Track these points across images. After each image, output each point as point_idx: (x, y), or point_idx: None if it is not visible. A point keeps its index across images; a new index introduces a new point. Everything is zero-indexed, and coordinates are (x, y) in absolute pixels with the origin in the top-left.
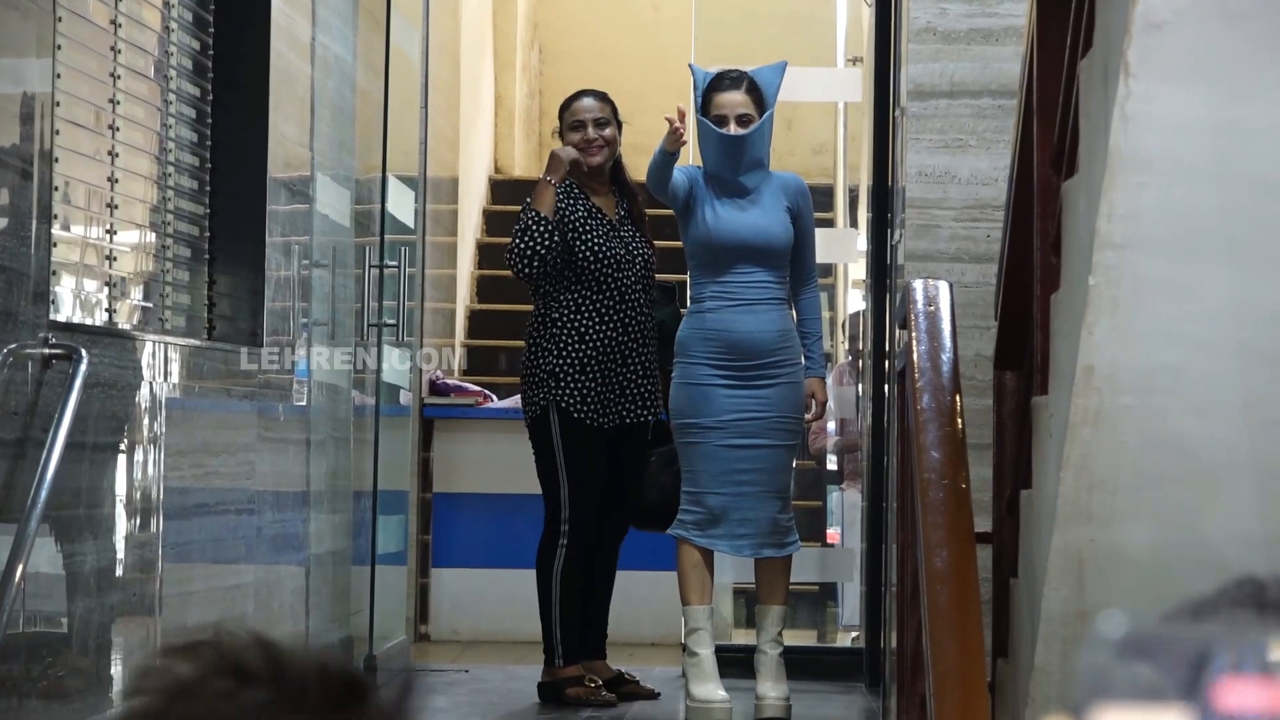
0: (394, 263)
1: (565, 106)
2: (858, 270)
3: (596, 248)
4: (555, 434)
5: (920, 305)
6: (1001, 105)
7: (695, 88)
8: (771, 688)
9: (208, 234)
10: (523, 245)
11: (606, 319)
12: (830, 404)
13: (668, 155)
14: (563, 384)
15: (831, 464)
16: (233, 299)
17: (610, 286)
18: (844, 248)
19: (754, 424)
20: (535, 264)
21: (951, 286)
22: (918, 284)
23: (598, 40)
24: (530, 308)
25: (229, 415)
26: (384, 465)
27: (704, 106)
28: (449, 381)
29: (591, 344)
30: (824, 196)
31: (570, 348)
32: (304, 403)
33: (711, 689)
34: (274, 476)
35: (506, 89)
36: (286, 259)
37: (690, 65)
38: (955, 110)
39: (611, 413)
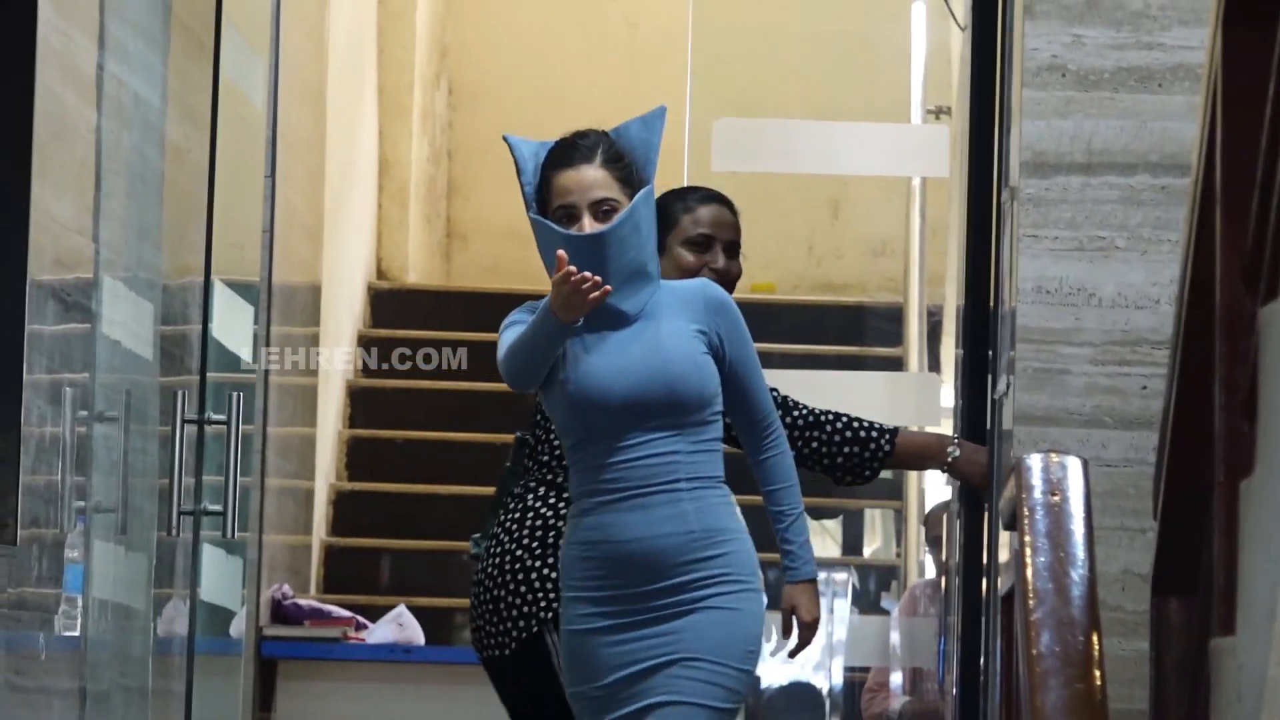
0: (221, 417)
1: (679, 206)
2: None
3: None
4: (559, 665)
5: (1038, 495)
6: (1166, 186)
7: (520, 167)
8: None
9: None
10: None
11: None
12: (894, 642)
13: (562, 330)
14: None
15: None
16: None
17: None
18: (921, 402)
19: (651, 677)
20: None
21: (1086, 465)
22: (1035, 462)
23: (536, 74)
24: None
25: None
26: None
27: (540, 198)
28: (302, 603)
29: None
30: (887, 323)
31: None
32: (77, 632)
33: None
34: None
35: (397, 148)
36: (53, 408)
37: (505, 137)
38: (1095, 193)
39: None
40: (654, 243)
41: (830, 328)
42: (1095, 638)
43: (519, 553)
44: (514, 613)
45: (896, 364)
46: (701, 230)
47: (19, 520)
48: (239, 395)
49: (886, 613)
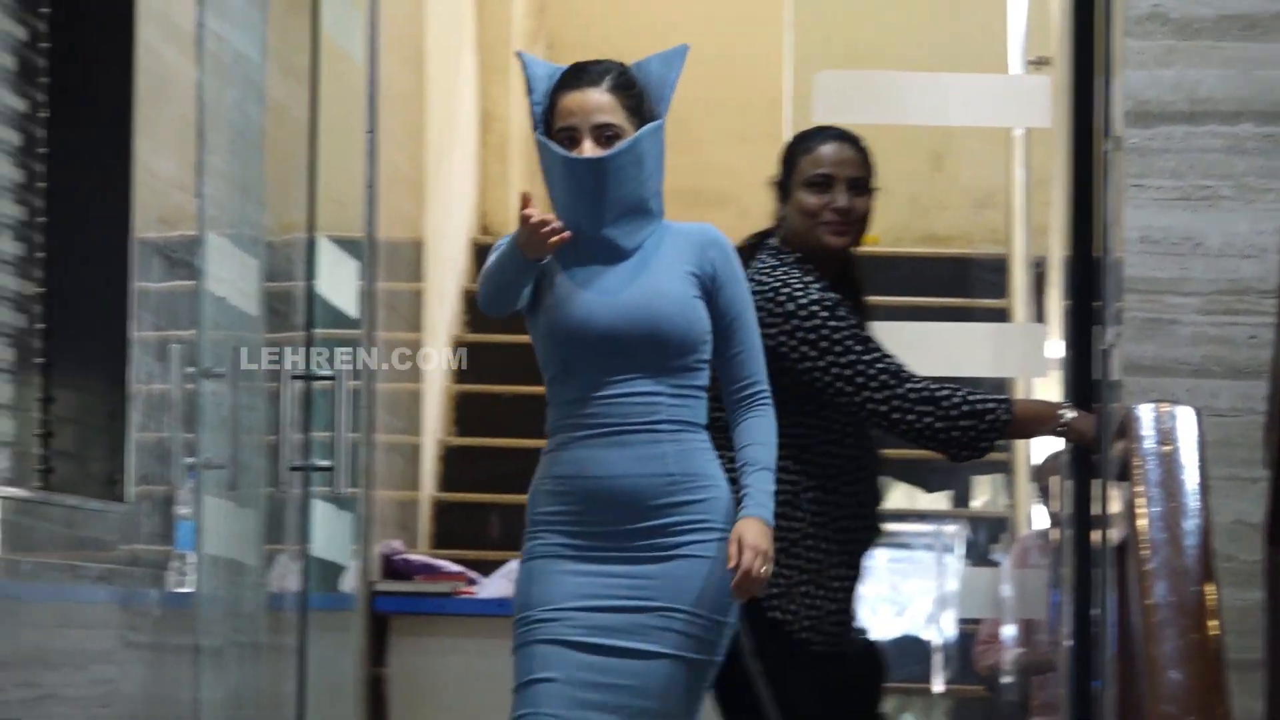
0: (328, 373)
1: (800, 149)
2: (1048, 389)
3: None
4: (749, 643)
5: (1150, 445)
6: (1271, 135)
7: (530, 87)
8: None
9: (39, 326)
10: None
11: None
12: (1005, 595)
13: (527, 264)
14: (785, 585)
15: (1011, 691)
16: (79, 427)
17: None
18: (1026, 353)
19: (619, 618)
20: None
21: (1199, 415)
22: (1145, 412)
23: (634, 30)
24: None
25: (75, 607)
26: (315, 687)
27: (547, 118)
28: (412, 558)
29: (826, 520)
30: (992, 273)
31: (802, 522)
32: (190, 589)
33: None
34: (145, 703)
35: (499, 104)
36: (161, 366)
37: (519, 54)
38: (1200, 141)
39: (839, 630)
40: (659, 179)
41: (935, 280)
42: (1210, 587)
43: None
44: None
45: (1002, 315)
46: (821, 170)
47: (130, 477)
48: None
49: (997, 565)
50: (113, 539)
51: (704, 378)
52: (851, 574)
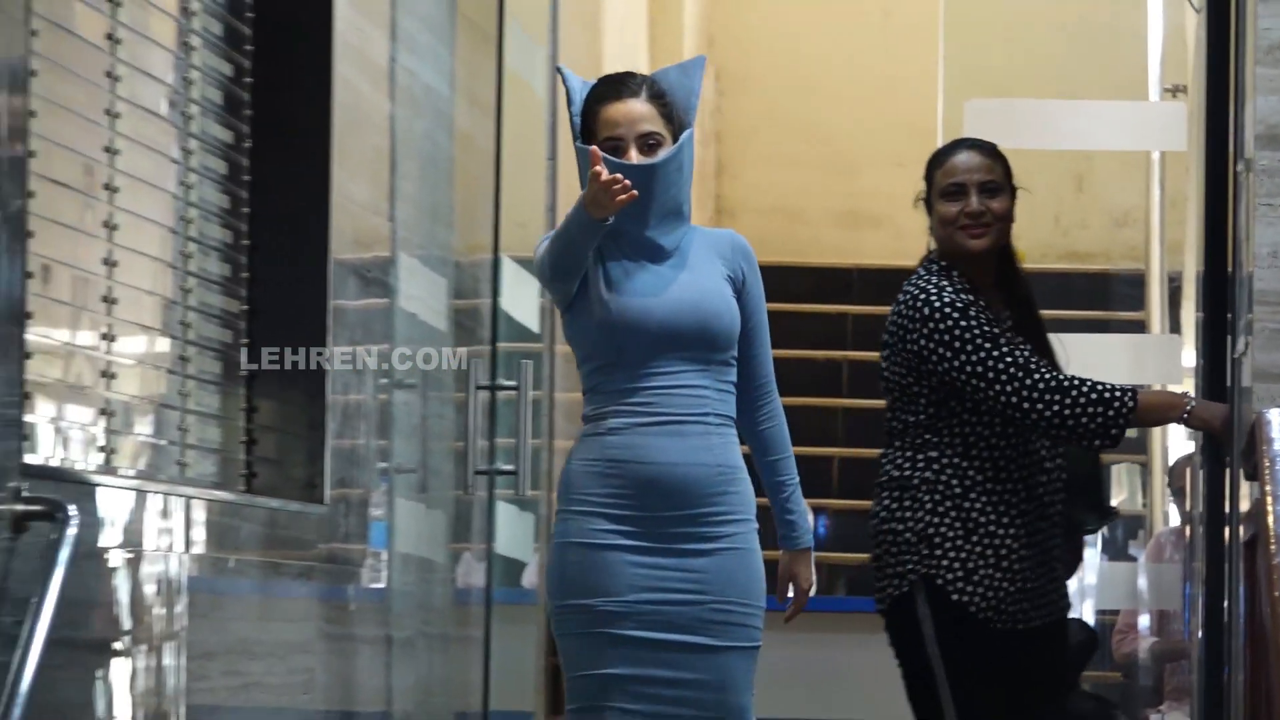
0: (512, 383)
1: (936, 164)
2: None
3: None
4: (929, 636)
5: (1278, 446)
6: None
7: (570, 98)
8: None
9: (244, 341)
10: (1071, 419)
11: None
12: (1141, 587)
13: (593, 224)
14: (942, 554)
15: (1146, 677)
16: (281, 435)
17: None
18: (1162, 362)
19: (679, 611)
20: None
21: None
22: (1275, 416)
23: (796, 61)
24: None
25: (277, 602)
26: (498, 676)
27: (585, 128)
28: None
29: (990, 500)
30: (1130, 288)
31: (955, 501)
32: (383, 584)
33: None
34: (341, 690)
35: None
36: (357, 378)
37: (559, 68)
38: None
39: (1014, 606)
40: (689, 185)
41: (1077, 294)
42: None
43: (882, 514)
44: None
45: (1139, 327)
46: (953, 180)
47: (328, 481)
48: (529, 364)
49: (1134, 559)
50: (311, 538)
51: (735, 374)
52: (1031, 555)
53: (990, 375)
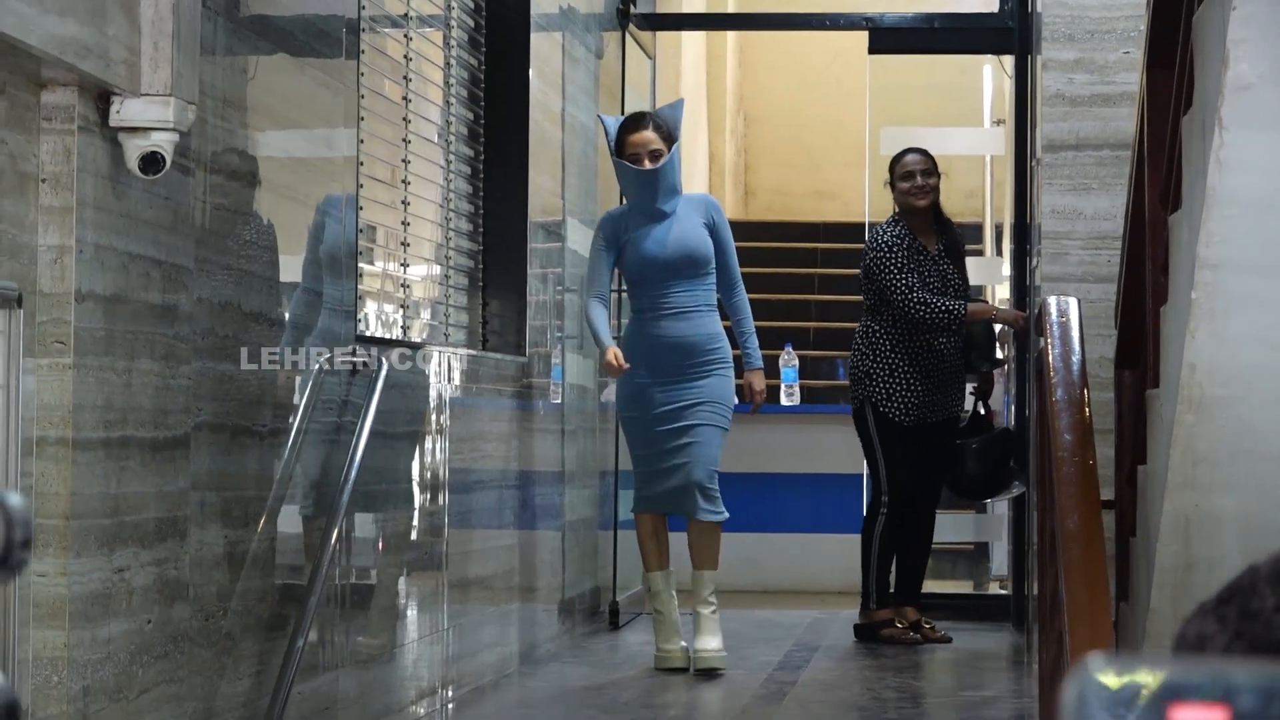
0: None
1: (896, 161)
2: (1003, 291)
3: (922, 278)
4: (872, 427)
5: (1054, 317)
6: (1119, 155)
7: (608, 134)
8: (708, 641)
9: (481, 266)
10: (929, 318)
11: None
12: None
13: (600, 347)
14: (875, 384)
15: None
16: (502, 318)
17: None
18: (992, 273)
19: (685, 410)
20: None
21: (1079, 302)
22: (1052, 300)
23: (792, 107)
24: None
25: (500, 410)
26: (624, 448)
27: (619, 148)
28: None
29: (902, 353)
30: (974, 231)
31: (884, 354)
32: (559, 400)
33: (675, 641)
34: (536, 459)
35: (718, 148)
36: (544, 286)
37: (599, 116)
38: (1081, 160)
39: (915, 413)
40: (679, 173)
41: None
42: (1085, 391)
43: (853, 358)
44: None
45: (980, 254)
46: (905, 169)
47: (527, 344)
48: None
49: None
50: (518, 375)
51: (714, 281)
52: (928, 383)
53: (894, 288)
